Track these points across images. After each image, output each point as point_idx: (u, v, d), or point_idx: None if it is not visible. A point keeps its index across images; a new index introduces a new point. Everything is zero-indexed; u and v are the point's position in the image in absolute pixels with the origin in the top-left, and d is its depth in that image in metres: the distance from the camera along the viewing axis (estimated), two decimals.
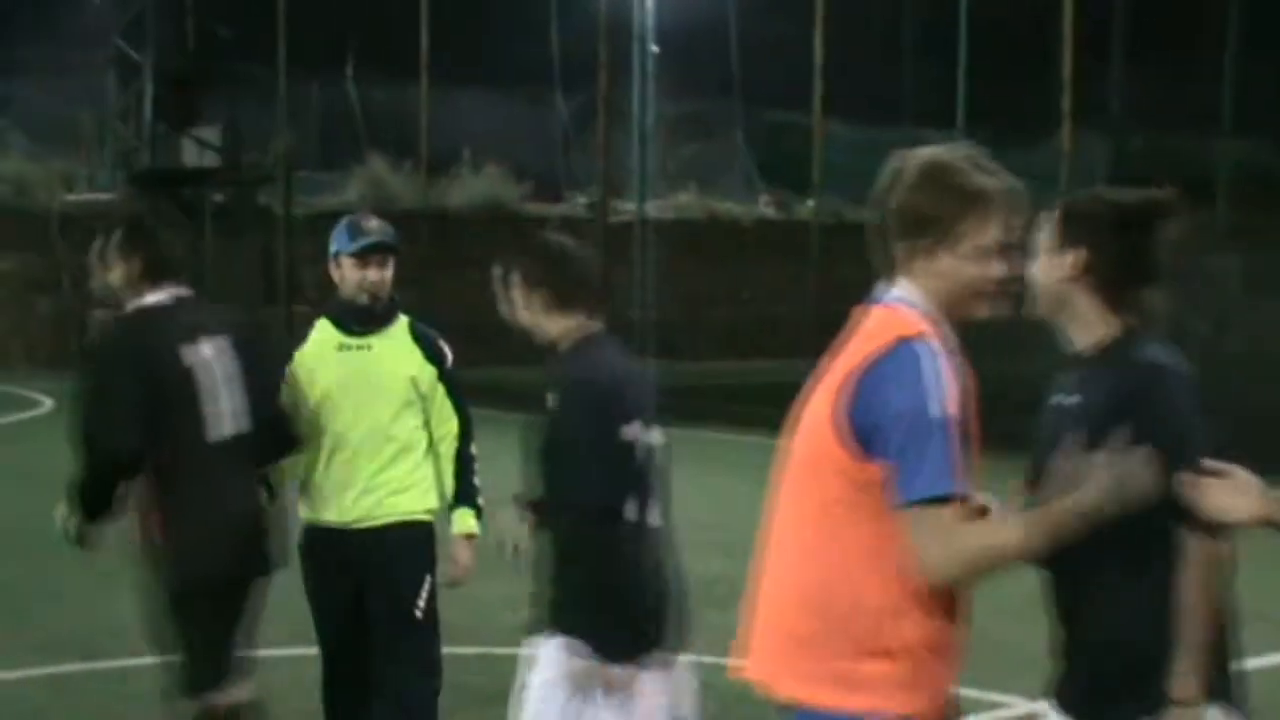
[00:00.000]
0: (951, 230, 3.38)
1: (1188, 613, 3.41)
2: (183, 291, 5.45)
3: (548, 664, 4.71)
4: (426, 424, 6.02)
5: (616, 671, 4.62)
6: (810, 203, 25.64)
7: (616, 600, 4.63)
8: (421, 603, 5.95)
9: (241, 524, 5.42)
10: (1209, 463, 3.27)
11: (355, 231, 5.97)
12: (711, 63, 31.37)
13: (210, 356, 5.34)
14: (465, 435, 6.11)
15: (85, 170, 31.31)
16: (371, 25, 29.69)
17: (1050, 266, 3.58)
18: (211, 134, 30.53)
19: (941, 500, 3.22)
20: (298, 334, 6.18)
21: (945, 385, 3.26)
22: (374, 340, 5.98)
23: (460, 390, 6.09)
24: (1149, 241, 3.56)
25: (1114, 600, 3.46)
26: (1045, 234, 3.61)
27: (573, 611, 4.67)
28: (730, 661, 8.34)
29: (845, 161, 29.39)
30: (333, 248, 6.00)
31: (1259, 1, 26.04)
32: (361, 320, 5.98)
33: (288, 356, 6.02)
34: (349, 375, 5.92)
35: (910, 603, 3.30)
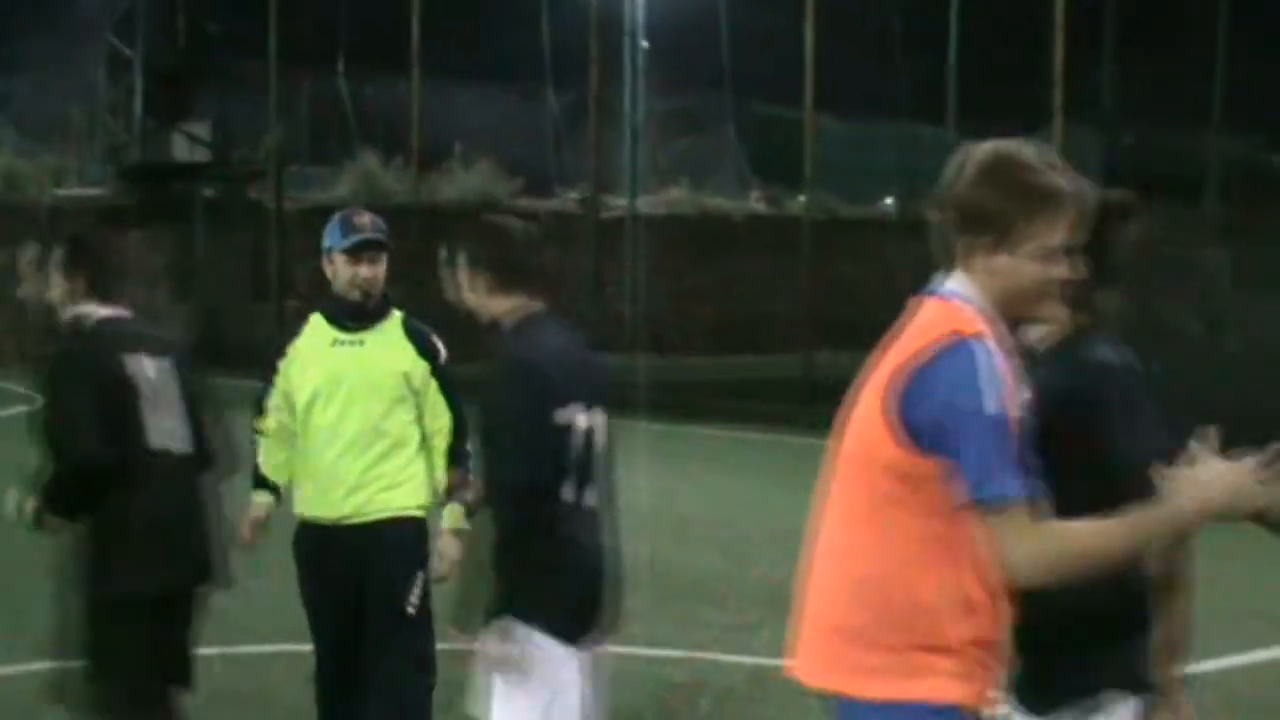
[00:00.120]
0: (1015, 230, 3.30)
1: (1164, 608, 3.43)
2: (123, 311, 5.44)
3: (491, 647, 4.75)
4: (419, 420, 6.02)
5: (515, 650, 4.61)
6: (801, 197, 25.64)
7: (552, 581, 4.63)
8: (414, 598, 5.95)
9: (173, 535, 5.35)
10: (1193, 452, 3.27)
11: (348, 228, 5.97)
12: (702, 57, 31.36)
13: (153, 374, 5.33)
14: (459, 431, 6.10)
15: (75, 165, 31.30)
16: (363, 20, 29.70)
17: None
18: (202, 129, 30.55)
19: (1014, 500, 3.17)
20: (289, 329, 6.18)
21: (1003, 385, 3.21)
22: (367, 336, 5.98)
23: (453, 386, 6.08)
24: (1105, 242, 3.56)
25: (1043, 593, 3.48)
26: None
27: (511, 593, 4.68)
28: (726, 658, 8.37)
29: (837, 156, 29.48)
30: (326, 243, 6.00)
31: None
32: (354, 316, 5.98)
33: (280, 351, 6.03)
34: (342, 370, 5.92)
35: (967, 600, 3.26)
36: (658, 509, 13.12)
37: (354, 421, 5.91)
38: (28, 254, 5.49)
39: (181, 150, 30.72)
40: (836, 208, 29.71)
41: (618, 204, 29.00)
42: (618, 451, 4.86)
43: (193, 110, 30.70)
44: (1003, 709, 3.55)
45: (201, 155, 30.83)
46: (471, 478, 5.94)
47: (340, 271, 5.95)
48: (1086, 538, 3.21)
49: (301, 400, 5.94)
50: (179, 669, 5.43)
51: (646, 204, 30.08)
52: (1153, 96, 25.07)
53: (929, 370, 3.23)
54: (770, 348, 26.38)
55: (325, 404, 5.91)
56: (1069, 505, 3.22)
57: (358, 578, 5.95)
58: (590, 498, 4.73)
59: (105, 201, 30.45)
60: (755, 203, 33.33)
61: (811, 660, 3.43)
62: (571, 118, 30.89)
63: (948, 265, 3.40)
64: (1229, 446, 3.28)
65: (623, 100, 28.86)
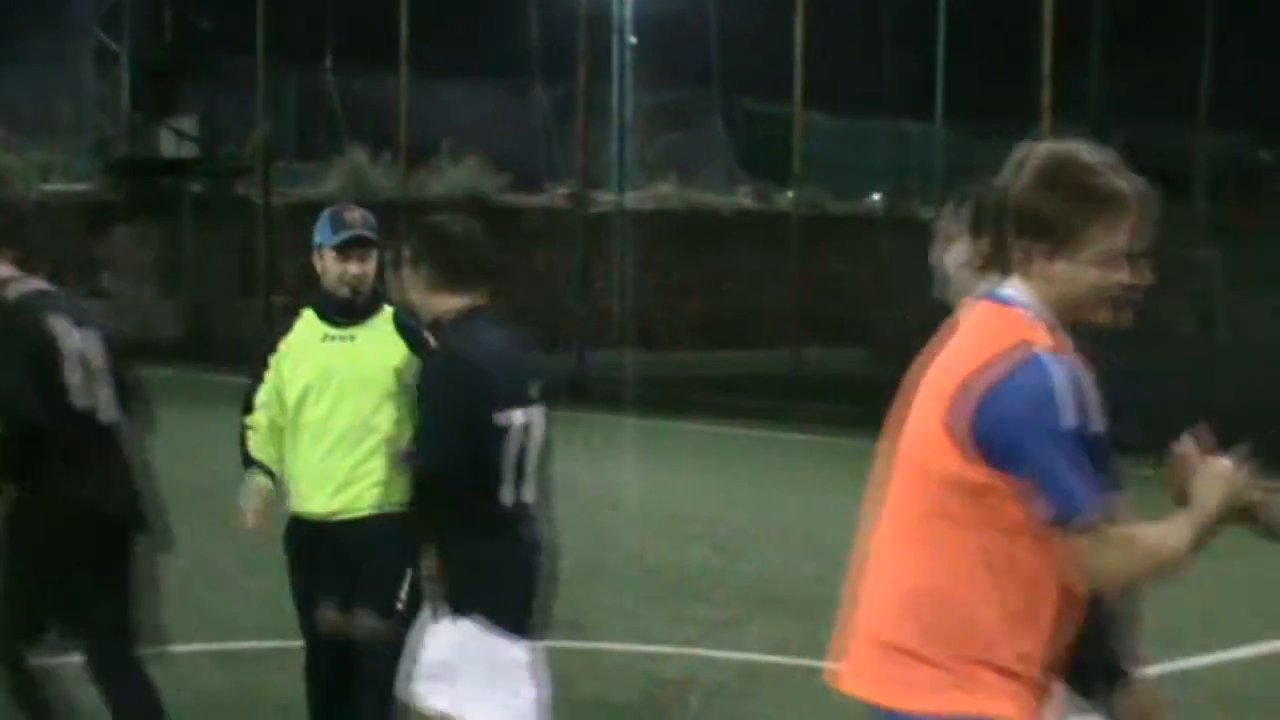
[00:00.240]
0: (1075, 235, 3.22)
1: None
2: (46, 285, 5.82)
3: (437, 645, 4.81)
4: (410, 416, 6.01)
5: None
6: (790, 193, 25.65)
7: (495, 581, 4.69)
8: (403, 594, 5.94)
9: (107, 490, 5.72)
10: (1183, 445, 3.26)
11: (338, 224, 5.96)
12: (691, 53, 31.36)
13: (78, 341, 5.69)
14: None
15: (63, 160, 31.25)
16: (351, 16, 29.67)
17: (959, 254, 3.74)
18: (189, 124, 30.52)
19: (1096, 516, 3.12)
20: (277, 325, 6.18)
21: (1081, 398, 3.15)
22: (357, 331, 5.97)
23: None
24: None
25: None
26: (958, 223, 3.76)
27: (454, 590, 4.71)
28: (716, 654, 8.37)
29: (825, 152, 29.49)
30: (316, 239, 5.99)
31: None
32: (344, 312, 5.97)
33: (272, 346, 6.03)
34: (332, 366, 5.92)
35: (1023, 616, 3.22)
36: (646, 505, 13.13)
37: (344, 417, 5.90)
38: None
39: (169, 145, 30.69)
40: (825, 203, 29.73)
41: (606, 199, 28.97)
42: (573, 446, 4.93)
43: (180, 105, 30.67)
44: None
45: (189, 151, 30.81)
46: None
47: (330, 267, 5.95)
48: (1160, 543, 3.17)
49: (293, 396, 5.94)
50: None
51: (635, 199, 30.05)
52: (1141, 94, 25.09)
53: (1004, 386, 3.16)
54: (759, 343, 26.38)
55: (316, 399, 5.91)
56: None
57: (347, 573, 5.95)
58: (528, 494, 4.81)
59: (92, 197, 30.43)
60: (744, 198, 33.33)
61: (857, 669, 3.38)
62: (560, 113, 30.85)
63: (1000, 267, 3.32)
64: (1223, 444, 3.28)
65: (611, 96, 28.83)
